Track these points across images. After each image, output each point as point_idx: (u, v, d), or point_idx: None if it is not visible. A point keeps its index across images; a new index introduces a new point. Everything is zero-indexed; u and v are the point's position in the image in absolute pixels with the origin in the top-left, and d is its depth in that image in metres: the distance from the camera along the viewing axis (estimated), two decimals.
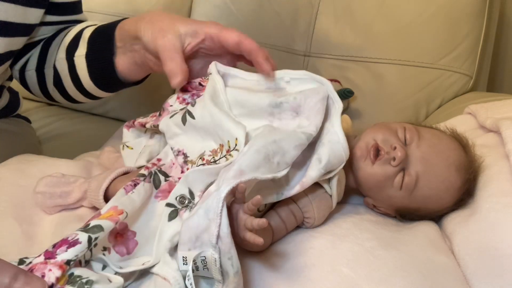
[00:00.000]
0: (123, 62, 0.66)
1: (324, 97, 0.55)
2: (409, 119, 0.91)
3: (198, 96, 0.60)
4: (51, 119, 1.10)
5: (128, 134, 0.66)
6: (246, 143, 0.50)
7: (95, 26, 0.71)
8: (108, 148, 0.71)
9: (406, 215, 0.61)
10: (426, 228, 0.58)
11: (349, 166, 0.59)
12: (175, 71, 0.58)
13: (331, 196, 0.56)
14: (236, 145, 0.51)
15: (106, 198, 0.58)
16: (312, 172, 0.51)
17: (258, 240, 0.42)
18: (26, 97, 1.14)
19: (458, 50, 0.93)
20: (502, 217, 0.51)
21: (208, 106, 0.54)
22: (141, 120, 0.64)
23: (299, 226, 0.57)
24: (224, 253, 0.41)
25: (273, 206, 0.56)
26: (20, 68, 0.77)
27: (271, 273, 0.49)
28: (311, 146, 0.54)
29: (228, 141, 0.52)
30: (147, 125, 0.62)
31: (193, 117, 0.55)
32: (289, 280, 0.48)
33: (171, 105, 0.61)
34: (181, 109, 0.58)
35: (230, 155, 0.51)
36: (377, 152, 0.58)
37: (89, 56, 0.69)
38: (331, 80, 0.91)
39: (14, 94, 0.87)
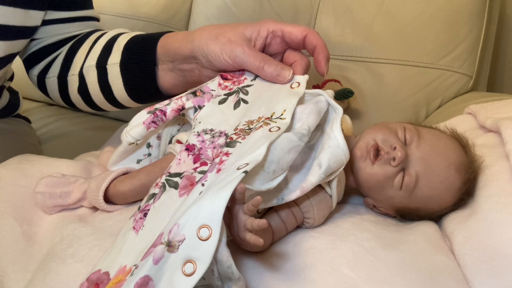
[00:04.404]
0: (169, 80, 0.64)
1: (318, 101, 0.55)
2: (409, 119, 0.91)
3: (239, 83, 0.60)
4: (51, 119, 1.10)
5: (143, 133, 0.59)
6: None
7: (130, 35, 0.68)
8: (108, 148, 0.71)
9: (406, 215, 0.61)
10: (426, 228, 0.58)
11: (349, 166, 0.59)
12: (279, 67, 0.57)
13: (331, 196, 0.56)
14: (282, 114, 0.52)
15: (106, 198, 0.58)
16: (312, 177, 0.51)
17: (258, 241, 0.42)
18: (26, 97, 1.14)
19: (458, 50, 0.93)
20: (502, 217, 0.51)
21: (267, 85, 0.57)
22: (174, 106, 0.58)
23: (299, 226, 0.57)
24: (222, 263, 0.41)
25: (273, 206, 0.56)
26: (39, 74, 0.75)
27: (271, 273, 0.49)
28: (312, 150, 0.54)
29: (273, 113, 0.53)
30: (187, 105, 0.58)
31: (246, 102, 0.57)
32: (289, 280, 0.48)
33: (212, 90, 0.59)
34: (226, 95, 0.58)
35: (272, 120, 0.51)
36: (377, 152, 0.57)
37: (125, 66, 0.66)
38: (331, 80, 0.92)
39: (14, 94, 0.87)
